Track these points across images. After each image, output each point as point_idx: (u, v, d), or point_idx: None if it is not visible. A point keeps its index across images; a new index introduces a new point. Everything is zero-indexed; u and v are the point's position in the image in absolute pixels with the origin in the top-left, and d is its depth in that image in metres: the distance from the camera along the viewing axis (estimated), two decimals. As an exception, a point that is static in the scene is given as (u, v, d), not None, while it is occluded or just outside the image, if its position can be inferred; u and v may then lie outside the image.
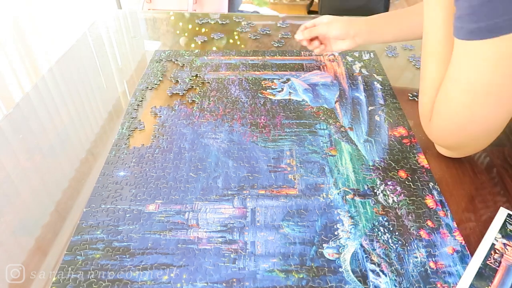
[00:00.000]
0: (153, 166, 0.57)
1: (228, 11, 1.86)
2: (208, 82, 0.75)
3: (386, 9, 1.70)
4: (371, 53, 0.85)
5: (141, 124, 0.65)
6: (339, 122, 0.66)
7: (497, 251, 0.45)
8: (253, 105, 0.69)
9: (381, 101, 0.71)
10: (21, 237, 0.48)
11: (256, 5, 2.23)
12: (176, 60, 0.82)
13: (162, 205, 0.51)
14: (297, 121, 0.66)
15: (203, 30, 0.97)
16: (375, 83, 0.75)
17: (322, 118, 0.67)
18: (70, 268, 0.44)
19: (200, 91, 0.73)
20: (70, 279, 0.43)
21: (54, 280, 0.43)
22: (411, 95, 0.73)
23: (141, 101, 0.71)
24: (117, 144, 0.61)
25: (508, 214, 0.49)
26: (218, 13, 1.07)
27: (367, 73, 0.78)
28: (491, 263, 0.44)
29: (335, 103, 0.70)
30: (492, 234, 0.47)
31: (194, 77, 0.76)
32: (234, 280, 0.43)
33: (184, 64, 0.81)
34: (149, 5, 1.77)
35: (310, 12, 2.63)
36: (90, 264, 0.44)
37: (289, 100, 0.71)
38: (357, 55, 0.84)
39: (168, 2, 1.77)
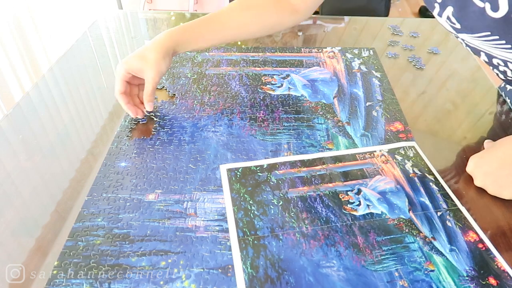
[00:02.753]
0: (153, 157, 0.58)
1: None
2: (209, 77, 0.76)
3: (387, 9, 1.71)
4: (371, 50, 0.86)
5: (143, 118, 0.66)
6: (337, 117, 0.67)
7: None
8: (252, 99, 0.71)
9: (379, 97, 0.72)
10: (21, 237, 0.48)
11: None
12: (178, 55, 0.84)
13: (162, 194, 0.52)
14: (296, 116, 0.67)
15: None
16: (374, 79, 0.76)
17: (320, 113, 0.68)
18: (71, 253, 0.45)
19: (201, 86, 0.74)
20: (71, 263, 0.44)
21: (55, 264, 0.44)
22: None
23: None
24: (119, 136, 0.62)
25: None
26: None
27: (366, 70, 0.79)
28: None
29: (334, 98, 0.71)
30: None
31: (196, 73, 0.77)
32: (230, 266, 0.44)
33: (185, 60, 0.82)
34: (149, 5, 1.79)
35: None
36: (91, 249, 0.45)
37: (288, 95, 0.72)
38: (356, 52, 0.85)
39: (169, 2, 1.78)
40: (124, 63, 0.62)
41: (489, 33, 0.49)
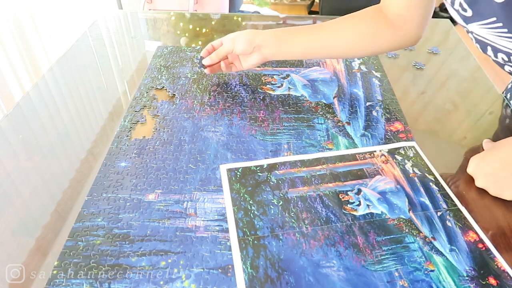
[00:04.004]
0: (153, 157, 0.58)
1: (229, 11, 1.87)
2: (209, 77, 0.76)
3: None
4: (370, 51, 0.86)
5: (143, 117, 0.66)
6: (337, 117, 0.67)
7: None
8: (252, 99, 0.71)
9: (379, 97, 0.72)
10: (21, 237, 0.48)
11: (257, 6, 2.25)
12: (178, 55, 0.84)
13: (162, 194, 0.52)
14: (296, 116, 0.67)
15: (204, 30, 0.98)
16: (374, 79, 0.76)
17: (320, 113, 0.68)
18: (71, 253, 0.45)
19: (201, 86, 0.74)
20: (71, 264, 0.44)
21: (55, 264, 0.44)
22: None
23: (145, 94, 0.72)
24: (119, 136, 0.62)
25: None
26: (218, 13, 1.08)
27: (366, 70, 0.79)
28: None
29: (334, 98, 0.71)
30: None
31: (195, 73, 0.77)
32: (230, 266, 0.44)
33: (185, 60, 0.82)
34: (149, 5, 1.78)
35: (310, 12, 2.64)
36: (91, 249, 0.45)
37: (288, 95, 0.72)
38: (356, 52, 0.85)
39: (169, 2, 1.78)
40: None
41: (494, 19, 0.50)
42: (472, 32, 0.58)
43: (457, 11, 0.56)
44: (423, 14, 0.65)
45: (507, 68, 0.60)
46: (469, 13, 0.54)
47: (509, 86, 0.74)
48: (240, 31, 0.69)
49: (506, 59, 0.57)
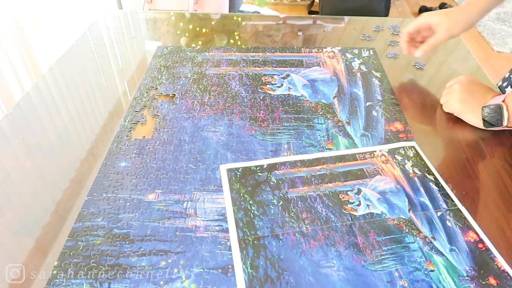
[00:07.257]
0: (153, 157, 0.58)
1: (229, 11, 1.87)
2: (209, 77, 0.76)
3: (387, 9, 1.71)
4: (371, 50, 0.86)
5: (143, 118, 0.66)
6: (337, 117, 0.67)
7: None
8: (252, 99, 0.71)
9: (379, 97, 0.72)
10: (21, 237, 0.48)
11: (257, 6, 2.25)
12: (178, 55, 0.84)
13: (162, 194, 0.52)
14: (296, 116, 0.67)
15: (204, 30, 0.98)
16: (374, 79, 0.76)
17: (320, 113, 0.68)
18: (71, 253, 0.45)
19: (201, 86, 0.74)
20: (71, 263, 0.44)
21: (55, 264, 0.44)
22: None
23: (145, 94, 0.72)
24: (119, 136, 0.62)
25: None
26: (218, 13, 1.08)
27: (366, 70, 0.79)
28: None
29: (334, 98, 0.71)
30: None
31: (195, 73, 0.77)
32: (230, 266, 0.44)
33: (186, 60, 0.82)
34: (149, 5, 1.78)
35: (310, 12, 2.64)
36: (91, 249, 0.45)
37: (288, 95, 0.72)
38: (356, 52, 0.85)
39: (169, 2, 1.78)
40: (427, 15, 0.73)
41: None
42: None
43: None
44: None
45: None
46: None
47: (500, 84, 0.75)
48: (432, 14, 0.72)
49: None
